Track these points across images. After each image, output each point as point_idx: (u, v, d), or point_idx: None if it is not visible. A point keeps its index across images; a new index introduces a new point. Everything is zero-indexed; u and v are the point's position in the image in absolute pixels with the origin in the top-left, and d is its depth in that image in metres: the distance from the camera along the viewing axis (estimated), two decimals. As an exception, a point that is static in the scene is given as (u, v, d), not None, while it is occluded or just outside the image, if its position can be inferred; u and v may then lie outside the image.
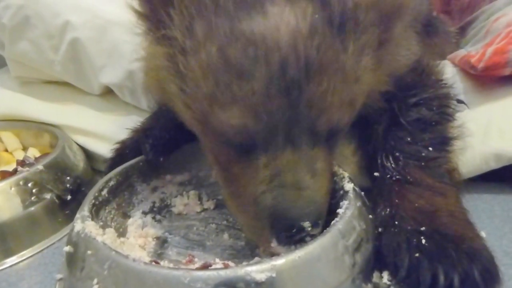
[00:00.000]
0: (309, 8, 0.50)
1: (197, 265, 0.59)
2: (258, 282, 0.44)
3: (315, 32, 0.49)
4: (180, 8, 0.53)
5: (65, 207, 0.77)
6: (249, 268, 0.45)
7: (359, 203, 0.57)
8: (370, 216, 0.59)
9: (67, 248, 0.55)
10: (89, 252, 0.51)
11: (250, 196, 0.53)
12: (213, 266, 0.57)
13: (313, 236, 0.50)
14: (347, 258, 0.50)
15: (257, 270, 0.45)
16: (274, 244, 0.52)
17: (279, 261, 0.46)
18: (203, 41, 0.51)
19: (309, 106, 0.50)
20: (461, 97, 0.78)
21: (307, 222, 0.50)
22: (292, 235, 0.50)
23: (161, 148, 0.72)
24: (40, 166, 0.76)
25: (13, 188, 0.72)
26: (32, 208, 0.73)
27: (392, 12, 0.56)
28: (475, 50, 0.87)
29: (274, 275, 0.45)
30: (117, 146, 0.80)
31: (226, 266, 0.56)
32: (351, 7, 0.52)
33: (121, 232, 0.67)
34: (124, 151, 0.78)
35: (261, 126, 0.50)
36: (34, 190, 0.74)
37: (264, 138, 0.51)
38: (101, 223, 0.63)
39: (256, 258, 0.57)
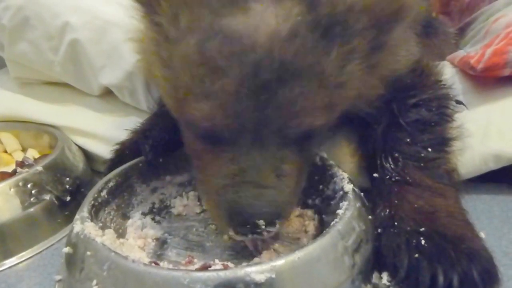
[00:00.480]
0: (294, 9, 0.49)
1: (196, 266, 0.59)
2: (257, 283, 0.44)
3: (295, 35, 0.48)
4: None
5: (64, 208, 0.77)
6: (248, 269, 0.45)
7: (358, 204, 0.57)
8: (370, 217, 0.59)
9: (66, 249, 0.55)
10: (88, 253, 0.51)
11: (214, 186, 0.55)
12: (213, 267, 0.57)
13: (270, 233, 0.52)
14: (346, 259, 0.50)
15: (257, 271, 0.45)
16: (231, 232, 0.53)
17: (279, 262, 0.46)
18: (185, 32, 0.52)
19: (278, 109, 0.50)
20: (460, 98, 0.78)
21: (261, 221, 0.51)
22: (246, 229, 0.52)
23: (160, 149, 0.72)
24: (39, 167, 0.76)
25: (12, 189, 0.72)
26: (31, 209, 0.72)
27: (390, 16, 0.55)
28: (475, 51, 0.87)
29: (273, 276, 0.45)
30: (116, 147, 0.80)
31: (225, 267, 0.56)
32: (342, 10, 0.51)
33: (121, 233, 0.67)
34: (123, 152, 0.78)
35: (229, 123, 0.51)
36: (33, 191, 0.73)
37: (232, 135, 0.52)
38: (101, 224, 0.63)
39: (256, 259, 0.57)
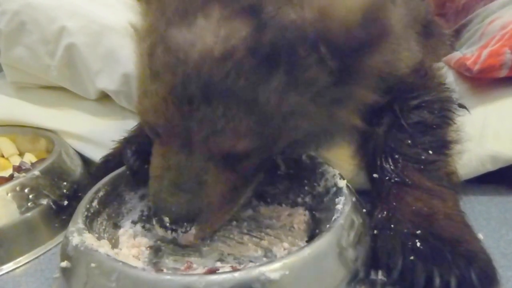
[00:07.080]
0: (240, 31, 0.48)
1: (196, 271, 0.57)
2: (273, 280, 0.45)
3: (228, 57, 0.48)
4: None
5: (61, 213, 0.76)
6: (262, 268, 0.46)
7: (354, 199, 0.58)
8: (364, 210, 0.59)
9: (64, 264, 0.54)
10: (92, 265, 0.50)
11: (151, 172, 0.59)
12: (221, 270, 0.56)
13: (176, 232, 0.55)
14: (351, 252, 0.51)
15: (271, 269, 0.46)
16: (156, 224, 0.56)
17: (290, 259, 0.47)
18: (146, 33, 0.56)
19: (201, 124, 0.51)
20: (457, 100, 0.78)
21: (166, 218, 0.54)
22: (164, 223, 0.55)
23: (145, 155, 0.70)
24: (36, 172, 0.75)
25: (9, 194, 0.71)
26: (29, 214, 0.72)
27: (355, 45, 0.49)
28: (470, 53, 0.87)
29: (287, 272, 0.46)
30: (102, 159, 0.80)
31: (234, 269, 0.55)
32: (291, 37, 0.48)
33: (114, 243, 0.64)
34: (108, 162, 0.78)
35: (160, 123, 0.54)
36: (30, 196, 0.73)
37: (165, 136, 0.55)
38: (96, 235, 0.61)
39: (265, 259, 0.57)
